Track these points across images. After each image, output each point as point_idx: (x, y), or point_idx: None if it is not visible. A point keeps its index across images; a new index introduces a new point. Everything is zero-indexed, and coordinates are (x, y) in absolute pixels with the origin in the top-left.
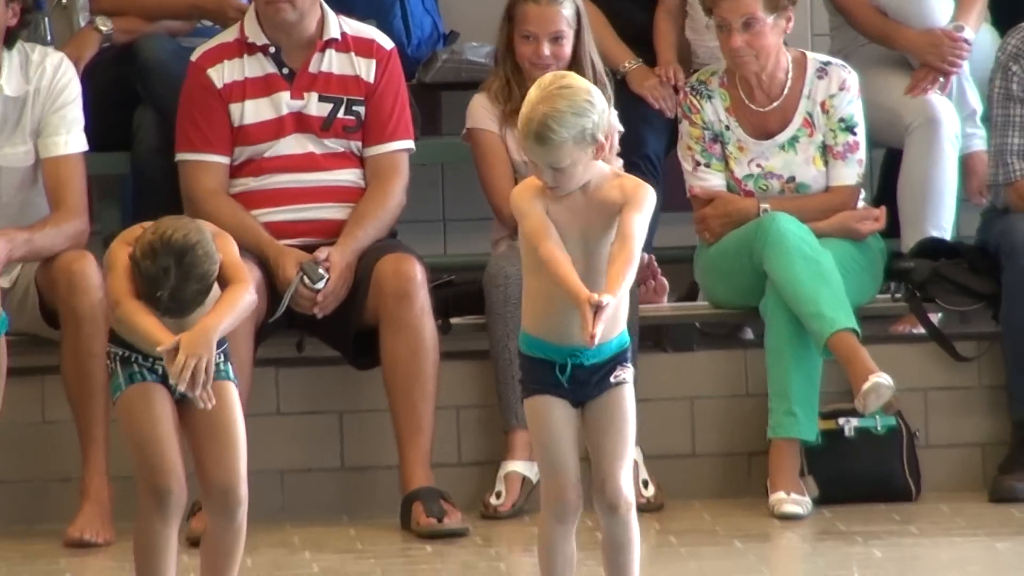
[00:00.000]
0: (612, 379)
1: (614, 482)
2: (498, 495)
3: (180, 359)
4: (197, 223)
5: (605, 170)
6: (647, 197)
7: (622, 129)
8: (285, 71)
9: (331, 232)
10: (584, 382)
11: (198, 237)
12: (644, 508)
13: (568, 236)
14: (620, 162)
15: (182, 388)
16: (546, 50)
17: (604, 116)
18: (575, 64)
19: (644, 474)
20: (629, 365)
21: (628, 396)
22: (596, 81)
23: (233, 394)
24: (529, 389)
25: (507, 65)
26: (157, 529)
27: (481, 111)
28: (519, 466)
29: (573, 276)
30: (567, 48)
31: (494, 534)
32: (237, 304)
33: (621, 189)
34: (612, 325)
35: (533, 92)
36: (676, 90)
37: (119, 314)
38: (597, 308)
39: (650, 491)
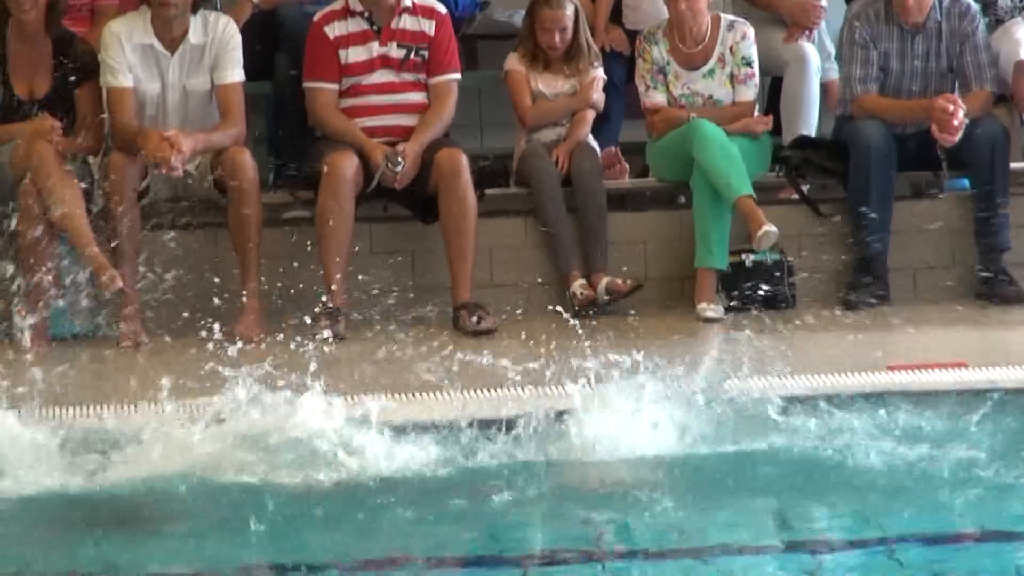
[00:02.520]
0: None
1: None
2: (580, 294)
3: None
4: None
5: None
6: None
7: (606, 77)
8: (375, 28)
9: (406, 133)
10: None
11: None
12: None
13: None
14: (602, 78)
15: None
16: (556, 38)
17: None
18: (575, 42)
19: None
20: None
21: None
22: (589, 51)
23: None
24: None
25: (529, 43)
26: None
27: (514, 63)
28: (581, 284)
29: None
30: (569, 34)
31: (512, 331)
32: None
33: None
34: None
35: None
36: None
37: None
38: None
39: (628, 284)
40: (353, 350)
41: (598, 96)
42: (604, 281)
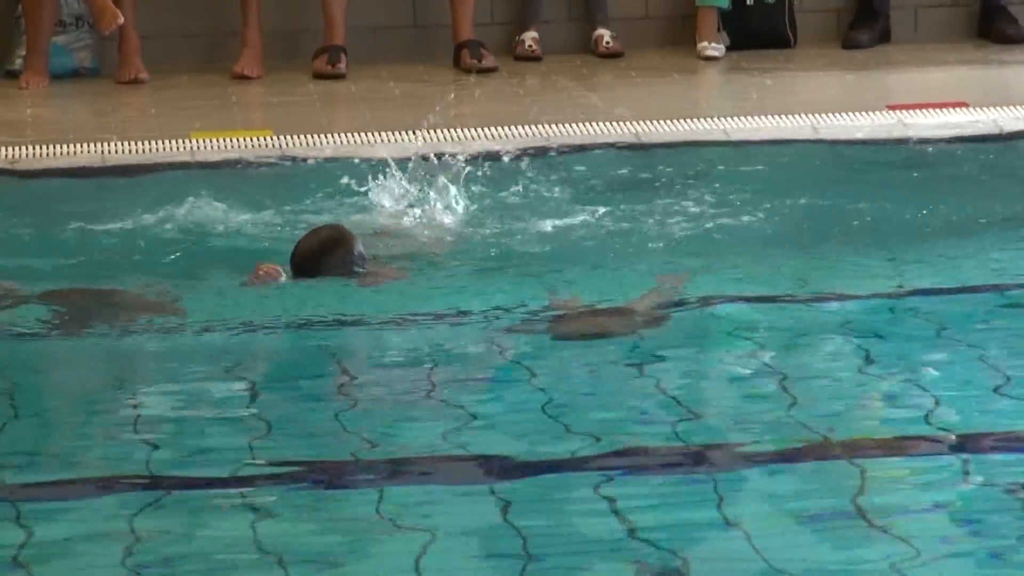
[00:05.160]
0: None
1: None
2: (525, 44)
3: None
4: None
5: None
6: None
7: None
8: None
9: None
10: None
11: None
12: (613, 53)
13: None
14: None
15: None
16: None
17: None
18: None
19: (608, 35)
20: None
21: None
22: None
23: None
24: None
25: None
26: None
27: None
28: (533, 33)
29: None
30: None
31: (515, 71)
32: None
33: None
34: None
35: None
36: None
37: None
38: None
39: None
40: (353, 88)
41: None
42: (595, 33)
